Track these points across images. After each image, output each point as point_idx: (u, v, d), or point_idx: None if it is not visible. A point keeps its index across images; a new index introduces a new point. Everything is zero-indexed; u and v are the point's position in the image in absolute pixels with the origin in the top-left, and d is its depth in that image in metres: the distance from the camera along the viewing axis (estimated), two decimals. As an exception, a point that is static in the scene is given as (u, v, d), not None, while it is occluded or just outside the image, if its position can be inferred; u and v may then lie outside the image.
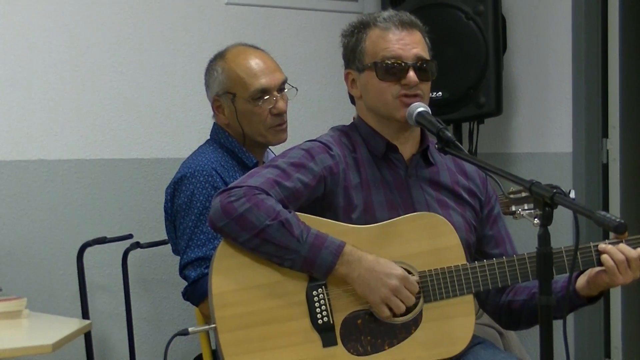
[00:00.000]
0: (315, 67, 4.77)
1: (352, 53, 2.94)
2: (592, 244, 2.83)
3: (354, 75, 2.96)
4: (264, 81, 3.43)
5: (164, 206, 3.42)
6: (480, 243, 3.02)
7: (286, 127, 3.50)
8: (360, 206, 2.85)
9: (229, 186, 2.78)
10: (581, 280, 2.86)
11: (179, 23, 4.40)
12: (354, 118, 3.03)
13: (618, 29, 4.74)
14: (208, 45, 3.83)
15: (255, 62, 3.46)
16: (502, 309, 3.02)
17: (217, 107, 3.49)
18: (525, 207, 3.32)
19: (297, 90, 3.52)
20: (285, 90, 3.50)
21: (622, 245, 2.80)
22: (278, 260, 2.73)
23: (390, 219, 2.83)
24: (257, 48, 3.54)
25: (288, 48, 4.66)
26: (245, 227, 2.69)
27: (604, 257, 2.78)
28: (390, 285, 2.71)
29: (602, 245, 2.81)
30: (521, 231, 3.70)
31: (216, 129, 3.53)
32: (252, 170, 2.89)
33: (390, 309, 2.73)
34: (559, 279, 2.89)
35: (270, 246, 2.70)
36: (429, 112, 2.82)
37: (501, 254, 2.97)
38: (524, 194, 3.36)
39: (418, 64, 2.88)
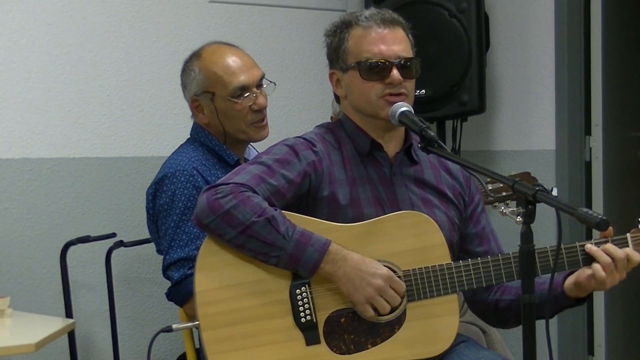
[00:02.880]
0: (298, 65, 4.76)
1: (336, 53, 2.94)
2: (577, 244, 2.82)
3: (338, 75, 2.96)
4: (242, 78, 3.42)
5: (146, 206, 3.41)
6: (464, 241, 3.02)
7: (267, 123, 3.50)
8: (347, 202, 2.85)
9: (216, 183, 2.78)
10: (569, 281, 2.84)
11: (162, 21, 4.39)
12: (331, 118, 3.04)
13: (600, 27, 4.76)
14: (191, 43, 3.83)
15: (232, 60, 3.45)
16: (489, 308, 3.01)
17: (195, 107, 3.48)
18: (508, 203, 3.33)
19: (275, 84, 3.52)
20: (264, 86, 3.49)
21: (609, 246, 2.79)
22: (264, 257, 2.72)
23: (377, 215, 2.83)
24: (232, 45, 3.53)
25: (271, 45, 4.66)
26: (232, 223, 2.69)
27: (595, 265, 2.78)
28: (375, 285, 2.71)
29: (589, 246, 2.80)
30: (504, 229, 3.71)
31: (196, 128, 3.51)
32: (238, 167, 2.89)
33: (375, 309, 2.74)
34: (547, 279, 2.88)
35: (256, 243, 2.70)
36: (412, 112, 2.82)
37: (485, 252, 2.97)
38: (502, 188, 3.36)
39: (402, 62, 2.88)
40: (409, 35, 2.96)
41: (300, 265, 2.72)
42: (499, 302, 2.98)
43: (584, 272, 2.80)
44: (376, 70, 2.86)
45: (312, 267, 2.71)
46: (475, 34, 4.54)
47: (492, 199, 3.32)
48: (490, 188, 3.36)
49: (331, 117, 3.75)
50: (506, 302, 2.97)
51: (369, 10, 2.96)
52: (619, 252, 2.78)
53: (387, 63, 2.86)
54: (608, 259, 2.77)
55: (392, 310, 2.76)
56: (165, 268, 3.31)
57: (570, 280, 2.85)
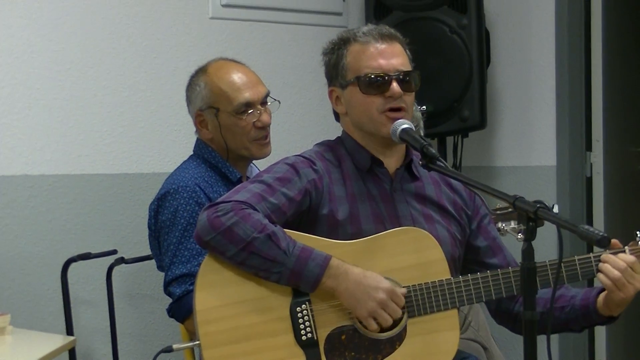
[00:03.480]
0: (299, 81, 4.77)
1: (334, 70, 2.94)
2: (577, 257, 2.83)
3: (337, 92, 2.96)
4: (247, 95, 3.44)
5: (148, 222, 3.42)
6: (477, 254, 3.01)
7: (269, 141, 3.50)
8: (347, 219, 2.85)
9: (216, 201, 2.78)
10: (600, 299, 2.85)
11: (163, 37, 4.39)
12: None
13: (601, 43, 4.77)
14: (193, 60, 3.83)
15: (238, 76, 3.46)
16: (517, 319, 2.97)
17: (200, 122, 3.49)
18: (512, 224, 3.32)
19: (279, 103, 3.53)
20: (269, 104, 3.50)
21: (622, 255, 2.80)
22: (265, 274, 2.72)
23: (377, 231, 2.84)
24: (238, 62, 3.54)
25: (273, 62, 4.67)
26: (233, 240, 2.69)
27: (601, 277, 2.79)
28: (377, 299, 2.71)
29: (604, 256, 2.80)
30: (506, 244, 3.71)
31: (199, 144, 3.52)
32: (238, 185, 2.89)
33: (377, 322, 2.73)
34: (577, 294, 2.90)
35: (257, 259, 2.70)
36: (413, 129, 2.83)
37: (500, 263, 2.97)
38: (510, 210, 3.35)
39: (400, 76, 2.88)
40: (407, 49, 2.97)
41: (302, 281, 2.72)
42: None
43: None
44: (376, 84, 2.87)
45: (314, 282, 2.71)
46: (476, 50, 4.55)
47: (494, 216, 3.31)
48: (498, 214, 3.37)
49: None
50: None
51: (366, 26, 2.97)
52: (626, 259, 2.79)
53: (386, 77, 2.87)
54: (618, 270, 2.78)
55: (393, 326, 2.76)
56: (167, 284, 3.31)
57: (600, 298, 2.86)
